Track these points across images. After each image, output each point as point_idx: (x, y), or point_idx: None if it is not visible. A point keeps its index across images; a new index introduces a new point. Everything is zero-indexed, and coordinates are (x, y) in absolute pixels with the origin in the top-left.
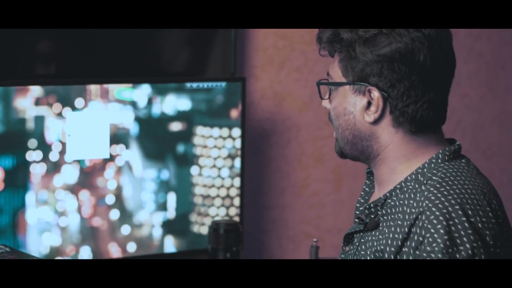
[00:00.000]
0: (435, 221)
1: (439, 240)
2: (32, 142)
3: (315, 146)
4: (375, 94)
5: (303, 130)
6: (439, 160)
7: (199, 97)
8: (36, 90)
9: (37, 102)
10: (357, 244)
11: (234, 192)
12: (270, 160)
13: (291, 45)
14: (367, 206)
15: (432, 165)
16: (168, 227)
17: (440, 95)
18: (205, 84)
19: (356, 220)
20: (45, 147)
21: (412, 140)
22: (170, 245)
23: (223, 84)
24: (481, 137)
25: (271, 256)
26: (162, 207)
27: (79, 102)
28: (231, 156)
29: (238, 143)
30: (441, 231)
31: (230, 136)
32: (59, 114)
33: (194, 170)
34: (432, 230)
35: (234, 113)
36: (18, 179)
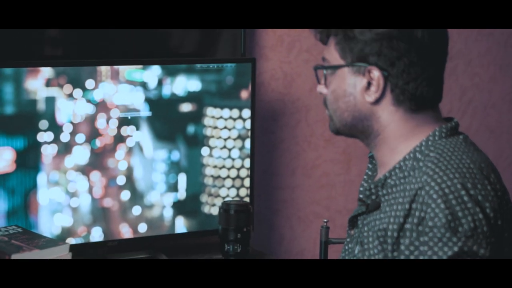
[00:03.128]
0: (434, 196)
1: (440, 215)
2: (43, 123)
3: (325, 127)
4: (375, 73)
5: (313, 111)
6: (436, 138)
7: (209, 78)
8: (46, 71)
9: (48, 83)
10: (360, 226)
11: (244, 173)
12: (280, 141)
13: None
14: (368, 187)
15: (430, 142)
16: (179, 208)
17: (437, 72)
18: (215, 65)
19: (360, 203)
20: (56, 128)
21: (411, 118)
22: (181, 225)
23: (233, 65)
24: (491, 116)
25: (281, 236)
26: (173, 188)
27: (89, 83)
28: (241, 137)
29: (248, 124)
30: (442, 205)
31: (240, 117)
32: (70, 95)
33: (204, 151)
34: (433, 205)
35: (244, 94)
36: (30, 160)
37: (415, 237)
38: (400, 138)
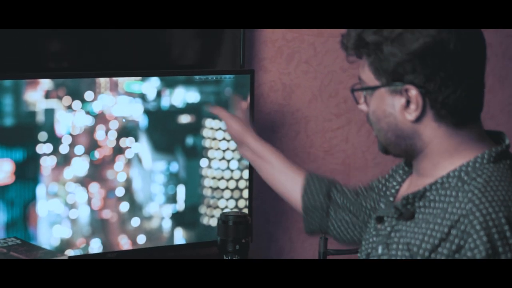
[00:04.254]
0: (478, 227)
1: (481, 247)
2: (42, 135)
3: (324, 138)
4: (413, 92)
5: (312, 122)
6: (485, 161)
7: (208, 89)
8: (46, 83)
9: (47, 95)
10: (389, 229)
11: (243, 184)
12: (280, 152)
13: (300, 37)
14: (405, 197)
15: (477, 164)
16: (178, 219)
17: (477, 80)
18: (213, 77)
19: (391, 199)
20: (55, 140)
21: (455, 134)
22: (180, 237)
23: (232, 76)
24: (490, 128)
25: (280, 248)
26: (172, 199)
27: (88, 95)
28: None
29: None
30: (484, 238)
31: None
32: (69, 107)
33: (203, 162)
34: (475, 236)
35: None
36: (29, 171)
37: None
38: (444, 154)
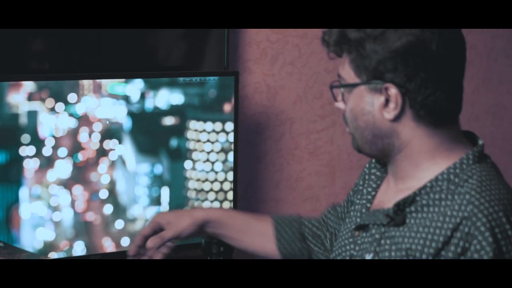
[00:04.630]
0: (482, 228)
1: (488, 249)
2: (25, 137)
3: (309, 140)
4: (393, 91)
5: (296, 124)
6: (470, 161)
7: (192, 91)
8: (28, 85)
9: (30, 97)
10: (377, 236)
11: (227, 186)
12: (264, 154)
13: (284, 39)
14: (396, 203)
15: (464, 166)
16: None
17: (456, 82)
18: (198, 79)
19: (368, 205)
20: (38, 142)
21: (434, 134)
22: None
23: (216, 78)
24: (475, 129)
25: None
26: (156, 201)
27: (72, 97)
28: (225, 150)
29: (231, 137)
30: (490, 239)
31: (223, 130)
32: (52, 109)
33: (187, 164)
34: (480, 238)
35: (227, 107)
36: (11, 174)
37: None
38: (425, 154)
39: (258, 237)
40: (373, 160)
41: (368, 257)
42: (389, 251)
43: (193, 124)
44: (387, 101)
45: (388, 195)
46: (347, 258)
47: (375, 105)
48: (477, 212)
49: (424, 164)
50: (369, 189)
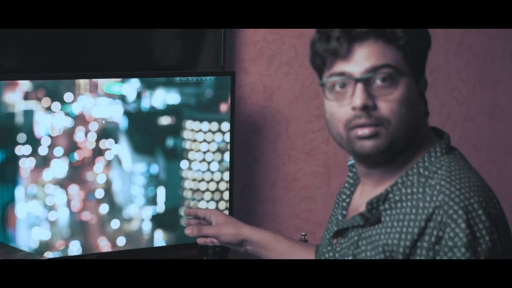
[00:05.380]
0: (454, 216)
1: (461, 235)
2: (21, 137)
3: (305, 140)
4: (424, 84)
5: (293, 124)
6: (438, 154)
7: (188, 91)
8: (25, 85)
9: (26, 96)
10: (355, 238)
11: (223, 186)
12: (260, 154)
13: (281, 39)
14: (369, 202)
15: (432, 159)
16: (158, 221)
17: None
18: (194, 78)
19: (344, 212)
20: (34, 142)
21: (426, 129)
22: (160, 239)
23: (213, 78)
24: (471, 130)
25: None
26: (152, 201)
27: (68, 96)
28: (221, 150)
29: (227, 137)
30: (462, 225)
31: (219, 130)
32: (48, 109)
33: (183, 164)
34: (453, 225)
35: (224, 107)
36: (7, 173)
37: (432, 256)
38: (410, 149)
39: None
40: (348, 163)
41: None
42: (365, 251)
43: (189, 124)
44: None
45: (363, 199)
46: None
47: (418, 95)
48: (448, 201)
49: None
50: (344, 196)
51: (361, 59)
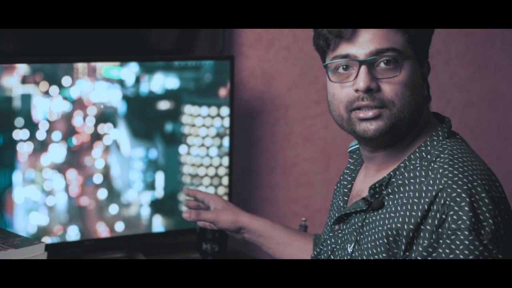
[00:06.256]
0: (458, 199)
1: (464, 217)
2: (19, 121)
3: (304, 125)
4: (428, 67)
5: (292, 109)
6: (440, 138)
7: (187, 75)
8: (22, 68)
9: (24, 80)
10: (359, 224)
11: (222, 171)
12: (259, 139)
13: None
14: (372, 186)
15: (434, 142)
16: (156, 206)
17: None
18: (193, 63)
19: (345, 198)
20: (32, 126)
21: (428, 113)
22: (159, 224)
23: (212, 62)
24: (470, 116)
25: None
26: (150, 186)
27: (66, 80)
28: (220, 135)
29: (226, 122)
30: (466, 208)
31: (218, 115)
32: (46, 93)
33: (182, 149)
34: (456, 208)
35: (223, 92)
36: (5, 158)
37: (435, 239)
38: (412, 133)
39: (298, 252)
40: (349, 149)
41: (349, 248)
42: (368, 236)
43: (188, 109)
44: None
45: (366, 184)
46: (329, 252)
47: (422, 79)
48: (451, 184)
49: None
50: (345, 183)
51: (366, 41)
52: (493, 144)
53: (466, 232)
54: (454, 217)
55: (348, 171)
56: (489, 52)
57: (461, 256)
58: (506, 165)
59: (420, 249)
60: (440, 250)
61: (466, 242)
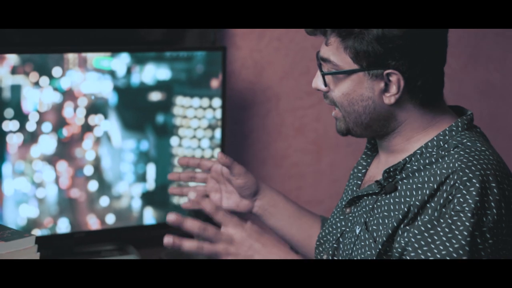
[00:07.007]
0: (468, 183)
1: (470, 201)
2: (9, 112)
3: (296, 116)
4: (395, 77)
5: (283, 100)
6: (459, 128)
7: (178, 66)
8: (12, 59)
9: (14, 70)
10: (370, 206)
11: None
12: (251, 130)
13: None
14: (386, 170)
15: (453, 132)
16: (148, 198)
17: (443, 63)
18: (185, 53)
19: (359, 182)
20: (21, 117)
21: (429, 111)
22: (150, 216)
23: (203, 53)
24: (462, 106)
25: None
26: (142, 178)
27: (56, 71)
28: (211, 127)
29: (218, 114)
30: (474, 193)
31: (210, 106)
32: (36, 83)
33: (174, 140)
34: (464, 191)
35: (215, 83)
36: None
37: (436, 217)
38: (418, 129)
39: (308, 228)
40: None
41: (357, 230)
42: (377, 219)
43: (179, 100)
44: (386, 86)
45: (379, 169)
46: (338, 235)
47: (375, 90)
48: (464, 167)
49: (416, 136)
50: (359, 167)
51: (323, 44)
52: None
53: (469, 215)
54: (461, 199)
55: (364, 156)
56: (482, 43)
57: (460, 237)
58: None
59: (420, 223)
60: (439, 229)
61: (467, 224)
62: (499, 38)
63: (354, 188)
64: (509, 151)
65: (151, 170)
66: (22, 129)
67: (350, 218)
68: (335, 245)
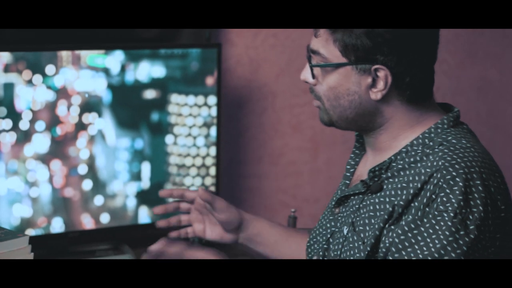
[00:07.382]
0: (451, 182)
1: (453, 200)
2: (1, 110)
3: (292, 114)
4: (383, 72)
5: (279, 97)
6: (445, 126)
7: (173, 63)
8: (5, 56)
9: (6, 68)
10: (356, 206)
11: (209, 161)
12: (246, 128)
13: None
14: (372, 169)
15: (439, 130)
16: (142, 197)
17: (433, 59)
18: (179, 51)
19: (347, 182)
20: (15, 116)
21: (416, 109)
22: (145, 215)
23: (198, 50)
24: (460, 103)
25: None
26: (136, 177)
27: (50, 69)
28: (207, 125)
29: (213, 111)
30: (457, 191)
31: (205, 104)
32: (29, 81)
33: (169, 139)
34: (448, 190)
35: (210, 80)
36: None
37: (419, 216)
38: (405, 126)
39: (296, 247)
40: (356, 133)
41: (345, 230)
42: (363, 219)
43: (174, 98)
44: (373, 82)
45: (367, 168)
46: (328, 236)
47: (362, 85)
48: (448, 166)
49: (402, 134)
50: (348, 167)
51: (313, 37)
52: (482, 132)
53: (452, 214)
54: (444, 199)
55: (353, 155)
56: (479, 39)
57: (442, 237)
58: (494, 152)
59: (403, 223)
60: (422, 229)
61: (449, 224)
62: (496, 35)
63: (343, 188)
64: (506, 147)
65: (146, 168)
66: (15, 127)
67: (339, 218)
68: (325, 246)
